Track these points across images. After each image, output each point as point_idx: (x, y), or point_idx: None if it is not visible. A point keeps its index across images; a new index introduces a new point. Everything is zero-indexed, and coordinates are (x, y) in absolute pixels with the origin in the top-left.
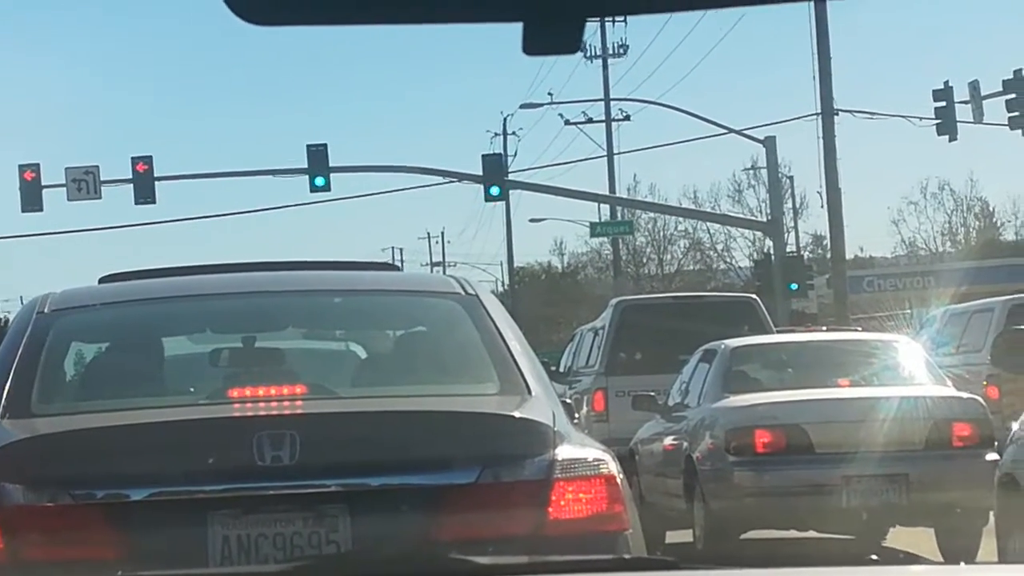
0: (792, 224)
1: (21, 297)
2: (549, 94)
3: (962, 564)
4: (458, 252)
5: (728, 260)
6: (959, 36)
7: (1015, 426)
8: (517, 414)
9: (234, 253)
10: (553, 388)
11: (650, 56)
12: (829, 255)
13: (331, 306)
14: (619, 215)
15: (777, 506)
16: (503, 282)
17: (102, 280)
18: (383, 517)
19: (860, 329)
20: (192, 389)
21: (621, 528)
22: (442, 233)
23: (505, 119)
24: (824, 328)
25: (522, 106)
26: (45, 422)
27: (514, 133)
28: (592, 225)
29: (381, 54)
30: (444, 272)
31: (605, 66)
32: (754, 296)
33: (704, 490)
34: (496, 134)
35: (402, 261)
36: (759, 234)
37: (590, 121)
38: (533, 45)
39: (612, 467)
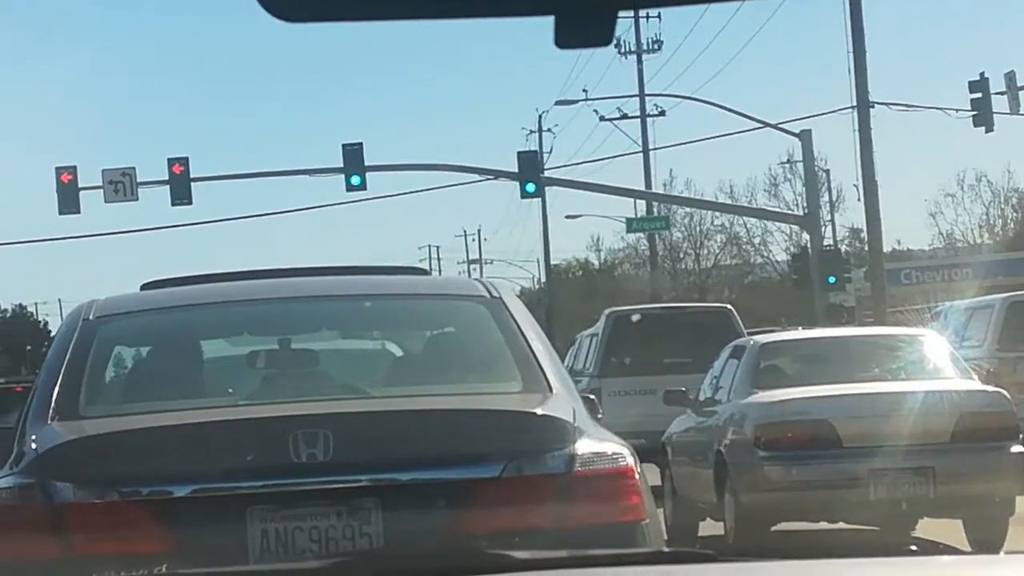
0: (829, 217)
1: (60, 300)
2: (584, 90)
3: (1003, 553)
4: (495, 249)
5: (765, 254)
6: (994, 27)
7: None
8: (539, 411)
9: (270, 253)
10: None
11: (685, 51)
12: (866, 248)
13: (362, 310)
14: (655, 211)
15: (806, 499)
16: (539, 279)
17: (144, 287)
18: (413, 510)
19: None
20: (231, 390)
21: (638, 519)
22: (479, 231)
23: (540, 116)
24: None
25: (557, 103)
26: (92, 424)
27: (549, 130)
28: (628, 221)
29: (416, 52)
30: (481, 269)
31: (639, 61)
32: (729, 306)
33: (734, 483)
34: (531, 131)
35: (439, 259)
36: (796, 228)
37: (625, 117)
38: (565, 38)
39: (630, 460)
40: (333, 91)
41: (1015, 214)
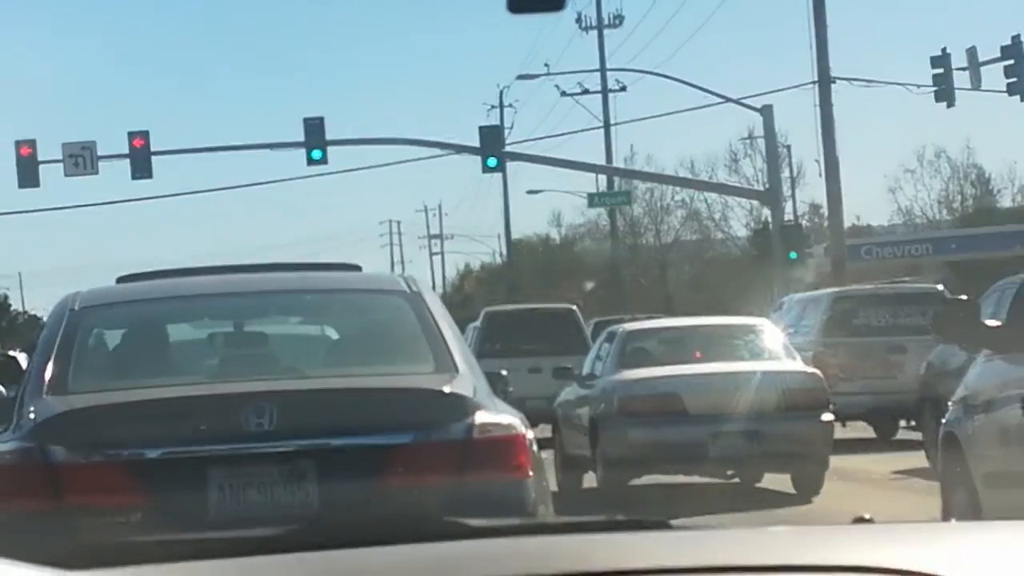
0: (789, 193)
1: (20, 274)
2: (545, 65)
3: (953, 521)
4: (456, 224)
5: (725, 230)
6: (956, 3)
7: (959, 389)
8: (446, 389)
9: (231, 227)
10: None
11: (646, 26)
12: (827, 224)
13: (302, 301)
14: (616, 186)
15: (659, 456)
16: (501, 253)
17: (119, 280)
18: (342, 470)
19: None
20: (196, 368)
21: (525, 476)
22: (439, 206)
23: (501, 91)
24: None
25: (518, 77)
26: (80, 398)
27: (511, 105)
28: (590, 196)
29: (377, 26)
30: (441, 244)
31: (600, 36)
32: (573, 307)
33: (603, 443)
34: (492, 106)
35: (400, 234)
36: (756, 203)
37: (586, 92)
38: (519, 3)
39: (519, 428)
40: (296, 65)
41: (974, 190)
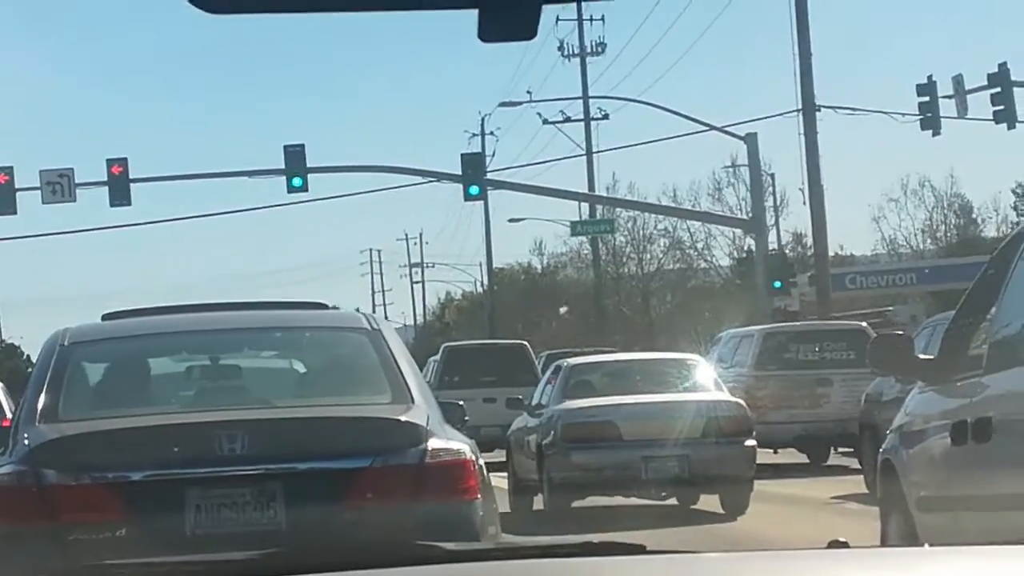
0: (773, 222)
1: None
2: (528, 92)
3: (926, 546)
4: (437, 252)
5: (708, 259)
6: (941, 31)
7: (896, 418)
8: (401, 418)
9: (211, 255)
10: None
11: (629, 54)
12: (810, 252)
13: (273, 338)
14: (599, 214)
15: (598, 479)
16: (482, 282)
17: (104, 317)
18: (307, 491)
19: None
20: (175, 398)
21: (473, 497)
22: (420, 234)
23: (483, 119)
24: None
25: (501, 104)
26: (70, 425)
27: (492, 133)
28: (573, 224)
29: (358, 53)
30: (423, 273)
31: (583, 64)
32: (524, 342)
33: (548, 467)
34: (474, 134)
35: (380, 263)
36: (739, 232)
37: (568, 120)
38: (489, 31)
39: (468, 454)
40: (276, 92)
41: (958, 220)
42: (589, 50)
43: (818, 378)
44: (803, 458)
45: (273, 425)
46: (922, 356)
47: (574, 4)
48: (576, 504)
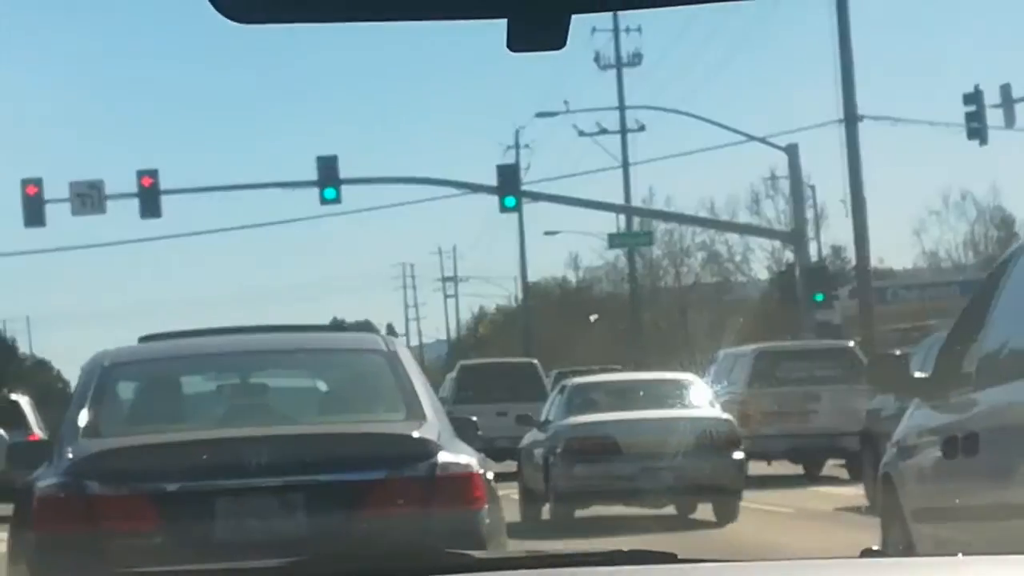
0: (813, 234)
1: (28, 318)
2: (565, 102)
3: (960, 555)
4: (471, 266)
5: (746, 272)
6: (985, 41)
7: (895, 433)
8: (414, 433)
9: (243, 268)
10: (446, 411)
11: (666, 65)
12: (850, 266)
13: (297, 359)
14: (636, 227)
15: (598, 489)
16: (517, 297)
17: (141, 339)
18: (327, 500)
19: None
20: (206, 415)
21: (480, 507)
22: (454, 248)
23: (517, 131)
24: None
25: (538, 115)
26: (110, 440)
27: (527, 146)
28: (611, 236)
29: (391, 65)
30: (456, 287)
31: (619, 75)
32: (534, 361)
33: (553, 478)
34: (509, 147)
35: (413, 277)
36: (778, 246)
37: (604, 132)
38: (518, 41)
39: (475, 467)
40: (308, 103)
41: (999, 233)
42: (625, 60)
43: (807, 394)
44: (799, 469)
45: (296, 440)
46: (918, 374)
47: (610, 14)
48: (580, 514)
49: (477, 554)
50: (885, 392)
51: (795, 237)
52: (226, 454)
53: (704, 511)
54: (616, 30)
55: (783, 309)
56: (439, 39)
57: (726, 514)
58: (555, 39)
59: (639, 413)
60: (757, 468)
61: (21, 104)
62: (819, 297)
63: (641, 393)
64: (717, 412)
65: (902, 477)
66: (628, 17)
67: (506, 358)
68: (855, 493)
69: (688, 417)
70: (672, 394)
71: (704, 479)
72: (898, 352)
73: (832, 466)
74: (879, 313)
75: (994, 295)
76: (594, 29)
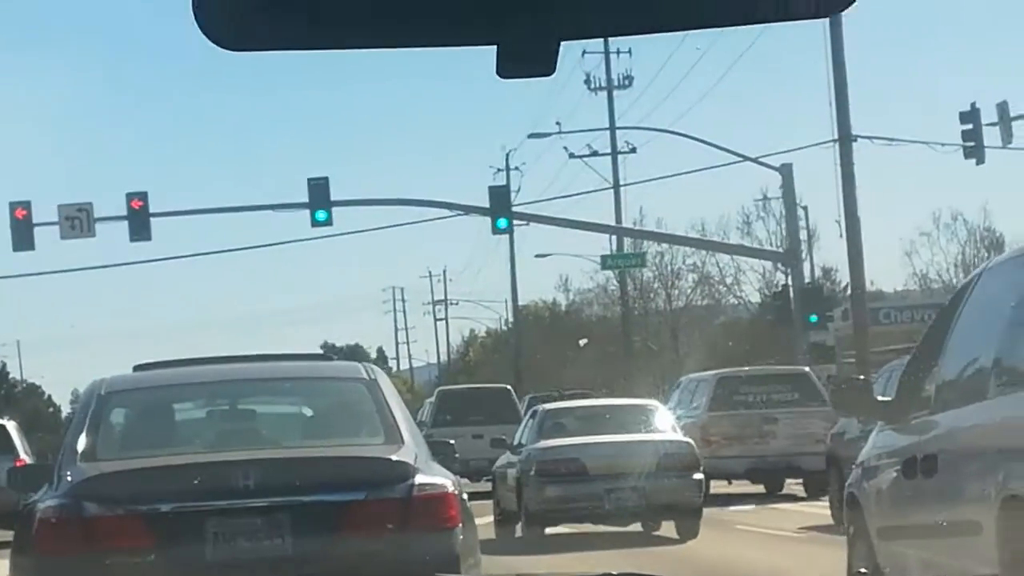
0: (806, 255)
1: (18, 342)
2: (557, 123)
3: None
4: (461, 290)
5: (738, 294)
6: (978, 61)
7: (860, 455)
8: (392, 457)
9: (233, 290)
10: (423, 436)
11: (656, 87)
12: (841, 287)
13: (282, 387)
14: (627, 250)
15: (567, 508)
16: (507, 320)
17: (136, 368)
18: (310, 519)
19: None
20: (197, 440)
21: (454, 525)
22: (443, 271)
23: (508, 154)
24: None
25: (530, 136)
26: (106, 464)
27: (517, 168)
28: (603, 258)
29: (383, 87)
30: (446, 310)
31: (610, 97)
32: (508, 387)
33: (525, 498)
34: (499, 169)
35: (403, 300)
36: (769, 268)
37: (595, 154)
38: (507, 68)
39: (450, 488)
40: (298, 125)
41: (990, 253)
42: (616, 83)
43: (764, 417)
44: (761, 488)
45: (282, 463)
46: (880, 398)
47: (598, 39)
48: (550, 531)
49: None
50: (849, 416)
51: (790, 257)
52: (216, 477)
53: (668, 528)
54: (607, 52)
55: (774, 331)
56: (430, 62)
57: (687, 530)
58: (544, 66)
59: (605, 437)
60: (719, 487)
61: (9, 127)
62: (813, 319)
63: (607, 418)
64: (678, 436)
65: (867, 497)
66: (619, 41)
67: (482, 384)
68: (816, 512)
69: (650, 440)
70: (636, 419)
71: (665, 498)
72: (862, 377)
73: (792, 484)
74: (872, 334)
75: (951, 321)
76: (584, 52)
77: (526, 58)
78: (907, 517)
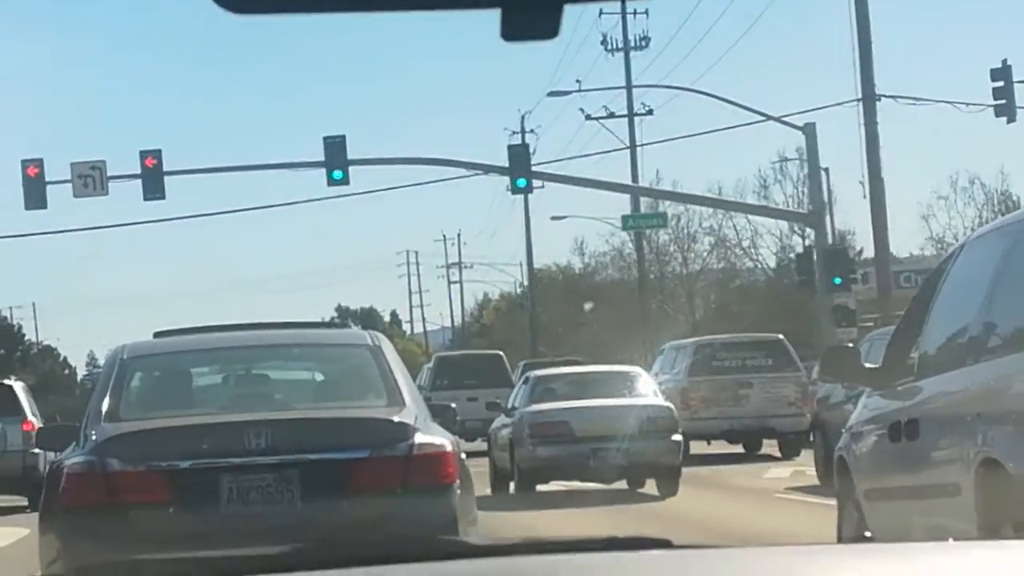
0: (827, 217)
1: (34, 304)
2: (577, 81)
3: (950, 540)
4: (476, 253)
5: (754, 258)
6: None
7: (850, 419)
8: (394, 418)
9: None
10: (424, 398)
11: (674, 48)
12: (856, 252)
13: (293, 352)
14: (646, 210)
15: (556, 467)
16: (522, 283)
17: (156, 335)
18: (317, 475)
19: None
20: (213, 402)
21: (452, 482)
22: (458, 234)
23: (523, 116)
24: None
25: (550, 94)
26: (129, 424)
27: (532, 131)
28: (624, 218)
29: (400, 47)
30: (460, 274)
31: (627, 58)
32: (500, 352)
33: (517, 458)
34: (515, 132)
35: (417, 264)
36: (786, 231)
37: (612, 116)
38: (511, 30)
39: (448, 447)
40: (315, 83)
41: None
42: (633, 44)
43: (740, 382)
44: (739, 448)
45: (291, 424)
46: (868, 364)
47: (605, 3)
48: (541, 488)
49: (471, 540)
50: (836, 381)
51: (814, 218)
52: (230, 436)
53: (651, 485)
54: (624, 13)
55: (789, 295)
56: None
57: (667, 488)
58: (548, 28)
59: (591, 401)
60: (698, 448)
61: (23, 85)
62: (838, 280)
63: (594, 383)
64: (659, 400)
65: (855, 460)
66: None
67: (476, 350)
68: (797, 470)
69: (633, 404)
70: (621, 385)
71: (647, 458)
72: (849, 344)
73: (768, 445)
74: (896, 297)
75: (936, 291)
76: (601, 12)
77: (529, 21)
78: (892, 479)
